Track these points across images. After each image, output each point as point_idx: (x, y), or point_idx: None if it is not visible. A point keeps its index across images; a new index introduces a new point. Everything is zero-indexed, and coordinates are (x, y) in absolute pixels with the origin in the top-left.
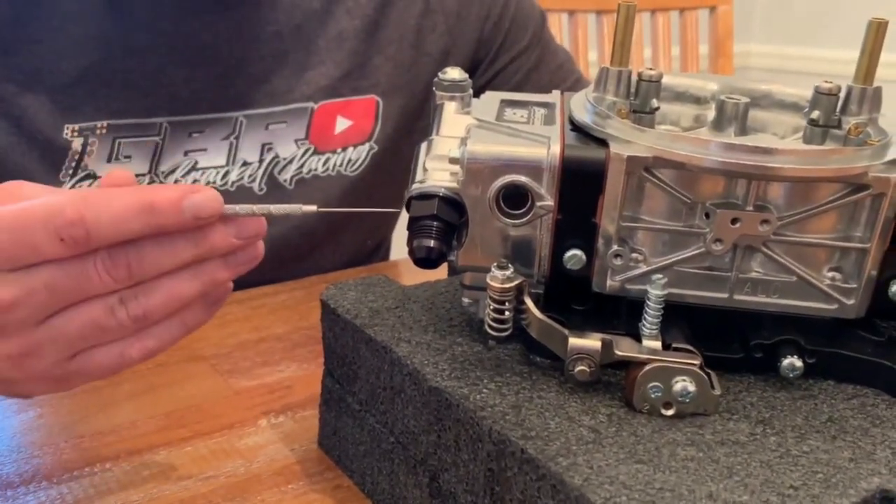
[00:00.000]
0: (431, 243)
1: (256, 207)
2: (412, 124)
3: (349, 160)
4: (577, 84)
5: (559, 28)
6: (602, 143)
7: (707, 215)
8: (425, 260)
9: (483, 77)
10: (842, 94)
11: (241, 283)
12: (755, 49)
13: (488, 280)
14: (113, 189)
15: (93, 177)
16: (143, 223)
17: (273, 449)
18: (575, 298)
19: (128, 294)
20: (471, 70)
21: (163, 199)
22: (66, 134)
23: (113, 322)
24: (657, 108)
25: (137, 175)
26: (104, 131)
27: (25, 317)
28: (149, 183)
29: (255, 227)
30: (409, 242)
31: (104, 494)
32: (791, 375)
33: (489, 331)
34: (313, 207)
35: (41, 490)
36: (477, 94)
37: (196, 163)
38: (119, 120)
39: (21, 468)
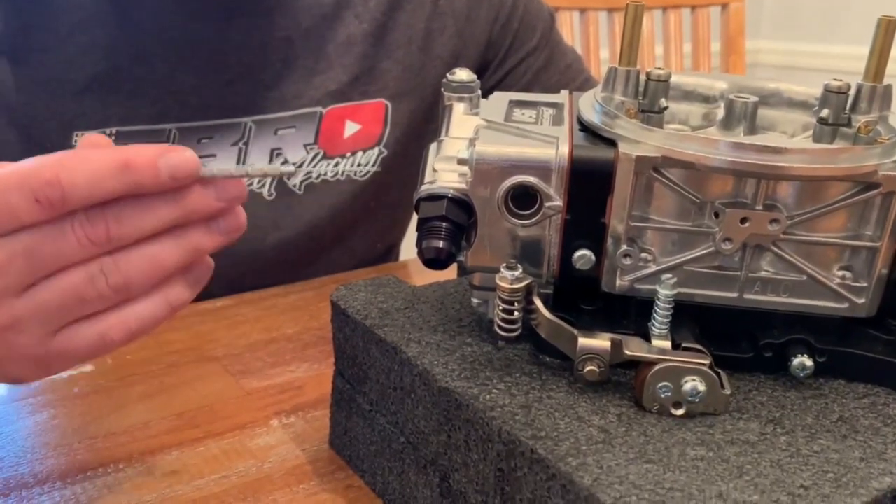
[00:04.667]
0: (440, 244)
1: (234, 168)
2: (422, 128)
3: (358, 164)
4: (585, 84)
5: (570, 26)
6: (611, 143)
7: (716, 215)
8: (434, 261)
9: (492, 78)
10: (851, 93)
11: (252, 286)
12: (765, 46)
13: (497, 281)
14: (89, 150)
15: None
16: (120, 182)
17: (284, 449)
18: (584, 298)
19: (108, 261)
20: (480, 72)
21: (139, 158)
22: (76, 141)
23: (93, 291)
24: (666, 108)
25: None
26: (113, 138)
27: (5, 286)
28: None
29: (235, 189)
30: (419, 243)
31: (118, 495)
32: (801, 375)
33: (498, 331)
34: (291, 168)
35: (56, 490)
36: (486, 96)
37: None
38: (128, 127)
39: (35, 469)
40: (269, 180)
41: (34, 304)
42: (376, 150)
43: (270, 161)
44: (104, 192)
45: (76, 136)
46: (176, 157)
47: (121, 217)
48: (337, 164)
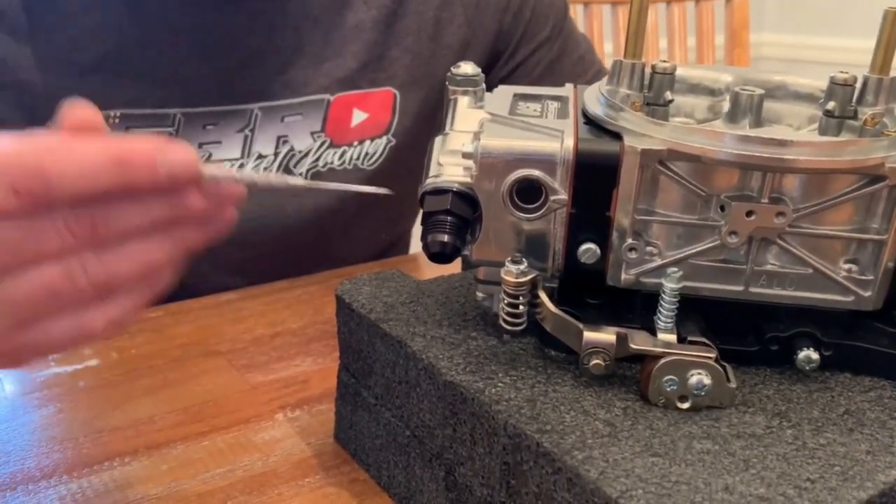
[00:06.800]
0: (445, 238)
1: (237, 173)
2: (431, 118)
3: (366, 153)
4: (598, 75)
5: (574, 20)
6: (616, 136)
7: (722, 208)
8: (439, 255)
9: (503, 69)
10: (858, 85)
11: (256, 272)
12: (769, 39)
13: (502, 274)
14: (79, 139)
15: None
16: (112, 179)
17: (290, 443)
18: (589, 292)
19: (90, 258)
20: (491, 62)
21: (136, 154)
22: None
23: (69, 287)
24: (671, 101)
25: None
26: (117, 121)
27: None
28: None
29: (233, 191)
30: (423, 237)
31: (124, 488)
32: (807, 368)
33: (504, 325)
34: (300, 180)
35: (62, 484)
36: (496, 87)
37: (210, 155)
38: (132, 110)
39: (42, 463)
40: (275, 167)
41: (1, 297)
42: (384, 139)
43: (276, 148)
44: (93, 188)
45: None
46: (175, 156)
47: (108, 214)
48: (344, 153)
